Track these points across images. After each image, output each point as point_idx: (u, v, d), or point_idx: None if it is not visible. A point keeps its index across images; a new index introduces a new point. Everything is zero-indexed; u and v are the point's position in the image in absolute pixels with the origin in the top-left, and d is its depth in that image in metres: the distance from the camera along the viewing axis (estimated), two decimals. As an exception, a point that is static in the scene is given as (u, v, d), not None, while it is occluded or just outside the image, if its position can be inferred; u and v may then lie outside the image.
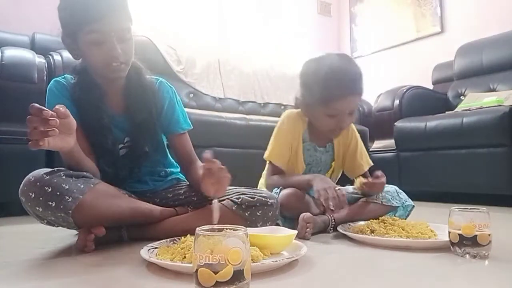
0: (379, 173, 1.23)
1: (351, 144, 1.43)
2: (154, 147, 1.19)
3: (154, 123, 1.16)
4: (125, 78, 1.11)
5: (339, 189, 1.14)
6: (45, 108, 0.76)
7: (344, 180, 1.49)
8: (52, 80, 1.11)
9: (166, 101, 1.19)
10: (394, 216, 1.28)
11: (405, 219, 1.31)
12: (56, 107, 0.80)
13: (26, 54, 1.77)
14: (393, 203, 1.28)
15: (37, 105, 0.76)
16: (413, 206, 1.33)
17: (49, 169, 0.92)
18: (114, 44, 1.00)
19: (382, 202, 1.28)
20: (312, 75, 1.24)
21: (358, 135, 1.46)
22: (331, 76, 1.18)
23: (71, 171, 0.94)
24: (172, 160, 1.30)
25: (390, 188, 1.34)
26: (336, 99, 1.19)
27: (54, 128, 0.78)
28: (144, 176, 1.20)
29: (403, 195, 1.33)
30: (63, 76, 1.12)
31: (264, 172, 1.43)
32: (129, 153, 1.13)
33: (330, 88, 1.18)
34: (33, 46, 2.19)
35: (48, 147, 0.80)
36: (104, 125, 1.08)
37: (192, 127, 1.23)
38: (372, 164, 1.45)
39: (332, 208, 1.09)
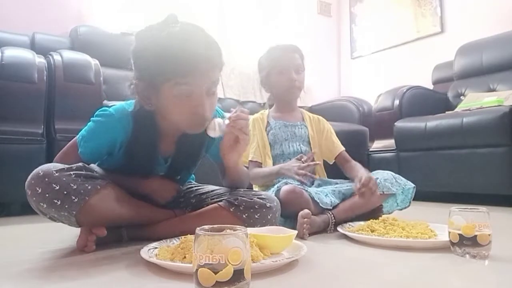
0: (364, 180, 1.21)
1: (325, 130, 1.59)
2: (187, 176, 1.23)
3: (196, 161, 1.18)
4: None
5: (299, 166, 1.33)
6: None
7: (341, 177, 1.50)
8: (116, 112, 1.00)
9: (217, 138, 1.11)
10: (396, 203, 1.33)
11: (409, 204, 1.35)
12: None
13: (26, 54, 1.77)
14: (393, 190, 1.31)
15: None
16: (414, 187, 1.35)
17: (60, 165, 0.90)
18: (202, 100, 0.93)
19: (383, 191, 1.29)
20: (262, 58, 1.58)
21: (330, 126, 1.63)
22: (272, 48, 1.56)
23: (82, 171, 0.92)
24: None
25: (387, 174, 1.35)
26: (278, 57, 1.51)
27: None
28: None
29: (401, 180, 1.35)
30: (122, 107, 1.02)
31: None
32: None
33: (273, 54, 1.53)
34: (33, 46, 2.19)
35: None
36: (148, 169, 1.08)
37: None
38: (344, 149, 1.56)
39: (306, 173, 1.31)
